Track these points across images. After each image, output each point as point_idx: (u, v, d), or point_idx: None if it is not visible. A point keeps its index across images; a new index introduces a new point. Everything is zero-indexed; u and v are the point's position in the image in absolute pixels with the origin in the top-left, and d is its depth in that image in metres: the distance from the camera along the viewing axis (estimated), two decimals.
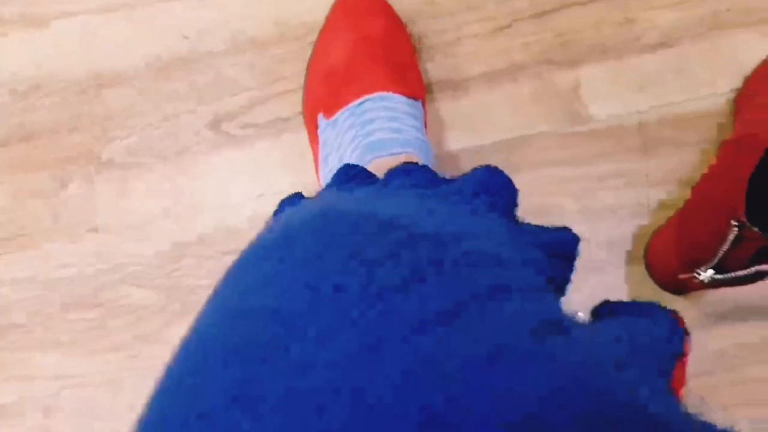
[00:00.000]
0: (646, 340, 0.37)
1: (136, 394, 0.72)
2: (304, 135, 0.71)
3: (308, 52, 0.70)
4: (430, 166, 0.59)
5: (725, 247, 0.56)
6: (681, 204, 0.70)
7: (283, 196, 0.50)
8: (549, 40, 0.72)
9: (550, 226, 0.43)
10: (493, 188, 0.42)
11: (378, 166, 0.53)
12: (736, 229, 0.54)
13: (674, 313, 0.44)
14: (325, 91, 0.65)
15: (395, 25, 0.69)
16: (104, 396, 0.72)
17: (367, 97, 0.62)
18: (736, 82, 0.71)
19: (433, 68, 0.73)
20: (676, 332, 0.41)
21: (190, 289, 0.72)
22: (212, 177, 0.73)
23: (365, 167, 0.49)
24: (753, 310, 0.71)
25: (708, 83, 0.72)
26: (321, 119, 0.65)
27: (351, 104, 0.62)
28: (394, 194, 0.40)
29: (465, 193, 0.41)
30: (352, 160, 0.59)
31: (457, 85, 0.73)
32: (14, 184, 0.74)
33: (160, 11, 0.73)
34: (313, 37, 0.70)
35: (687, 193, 0.70)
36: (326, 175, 0.63)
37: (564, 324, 0.29)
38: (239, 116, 0.73)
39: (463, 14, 0.72)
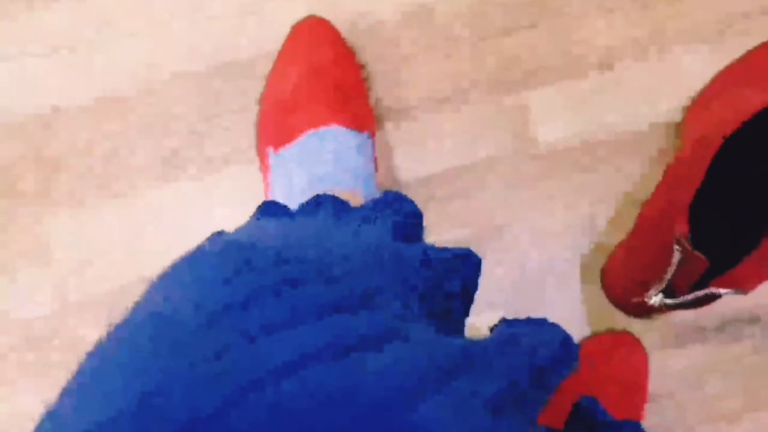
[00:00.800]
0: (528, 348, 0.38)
1: None
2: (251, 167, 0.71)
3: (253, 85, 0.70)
4: (372, 194, 0.60)
5: (671, 270, 0.56)
6: (629, 223, 0.70)
7: None
8: (494, 64, 0.72)
9: (452, 248, 0.45)
10: (391, 208, 0.46)
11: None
12: (679, 252, 0.54)
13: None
14: (274, 124, 0.66)
15: (344, 55, 0.69)
16: None
17: (312, 131, 0.63)
18: (678, 101, 0.72)
19: (380, 96, 0.72)
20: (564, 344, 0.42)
21: None
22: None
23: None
24: (712, 328, 0.71)
25: (649, 102, 0.72)
26: (270, 152, 0.65)
27: (297, 139, 0.63)
28: (297, 223, 0.43)
29: (360, 217, 0.45)
30: (295, 197, 0.60)
31: (404, 113, 0.72)
32: None
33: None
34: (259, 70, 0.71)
35: (633, 212, 0.70)
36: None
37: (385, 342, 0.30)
38: (186, 151, 0.73)
39: (408, 42, 0.73)
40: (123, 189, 0.72)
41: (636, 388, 0.68)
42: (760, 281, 0.52)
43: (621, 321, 0.71)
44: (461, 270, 0.43)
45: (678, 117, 0.71)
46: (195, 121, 0.72)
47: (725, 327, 0.71)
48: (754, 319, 0.71)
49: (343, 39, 0.69)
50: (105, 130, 0.72)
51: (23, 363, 0.71)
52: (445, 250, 0.44)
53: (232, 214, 0.72)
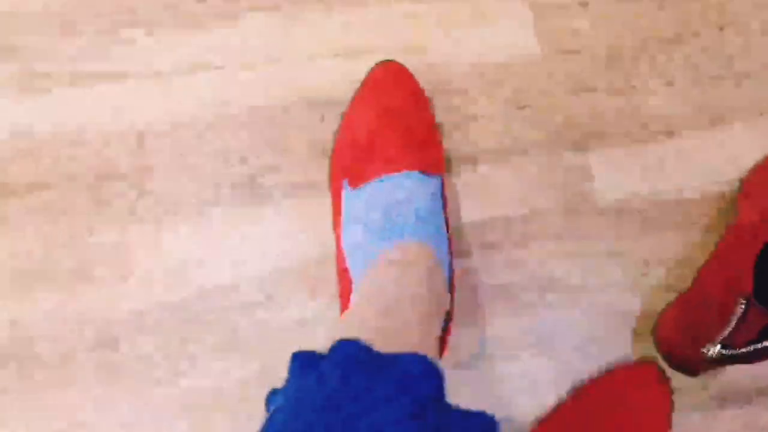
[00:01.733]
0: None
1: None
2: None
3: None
4: (440, 249, 0.65)
5: (732, 323, 0.59)
6: (679, 284, 0.73)
7: None
8: (560, 122, 0.77)
9: (470, 413, 0.46)
10: (411, 386, 0.45)
11: (392, 254, 0.62)
12: (743, 306, 0.57)
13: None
14: (351, 161, 0.70)
15: (418, 100, 0.73)
16: None
17: (388, 175, 0.66)
18: (734, 172, 0.76)
19: (449, 143, 0.77)
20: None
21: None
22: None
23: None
24: (760, 391, 0.73)
25: (707, 171, 0.76)
26: (345, 185, 0.69)
27: (372, 180, 0.67)
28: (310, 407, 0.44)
29: (377, 396, 0.44)
30: (370, 243, 0.64)
31: (471, 159, 0.77)
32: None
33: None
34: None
35: (685, 274, 0.73)
36: (346, 239, 0.68)
37: None
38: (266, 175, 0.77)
39: (478, 92, 0.78)
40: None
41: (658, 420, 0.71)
42: None
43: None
44: None
45: (729, 187, 0.76)
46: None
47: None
48: None
49: (418, 83, 0.74)
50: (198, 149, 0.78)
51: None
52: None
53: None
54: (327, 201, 0.74)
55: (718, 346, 0.62)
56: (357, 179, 0.68)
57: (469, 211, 0.77)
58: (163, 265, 0.75)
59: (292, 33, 0.78)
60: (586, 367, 0.73)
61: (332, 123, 0.75)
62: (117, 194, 0.76)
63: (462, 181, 0.77)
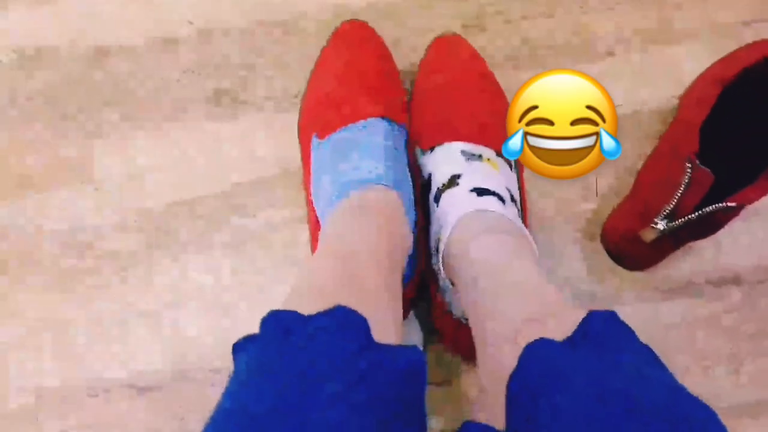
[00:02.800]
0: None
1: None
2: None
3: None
4: (405, 193, 0.66)
5: (679, 191, 0.62)
6: (627, 191, 0.76)
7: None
8: (514, 42, 0.80)
9: (398, 349, 0.45)
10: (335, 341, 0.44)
11: (355, 198, 0.62)
12: (689, 170, 0.61)
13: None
14: (319, 113, 0.71)
15: (382, 53, 0.76)
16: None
17: (354, 124, 0.67)
18: (676, 89, 0.79)
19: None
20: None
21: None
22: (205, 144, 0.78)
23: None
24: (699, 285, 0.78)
25: (650, 88, 0.79)
26: (314, 138, 0.70)
27: (340, 129, 0.68)
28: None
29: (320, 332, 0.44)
30: (335, 189, 0.64)
31: None
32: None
33: None
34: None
35: (630, 181, 0.76)
36: (315, 191, 0.69)
37: None
38: (231, 91, 0.78)
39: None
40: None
41: None
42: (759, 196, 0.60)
43: (619, 273, 0.77)
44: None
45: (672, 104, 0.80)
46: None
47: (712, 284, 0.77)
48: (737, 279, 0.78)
49: (381, 38, 0.77)
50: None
51: None
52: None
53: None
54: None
55: (665, 220, 0.65)
56: (324, 130, 0.69)
57: None
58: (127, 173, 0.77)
59: None
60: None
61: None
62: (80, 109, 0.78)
63: None
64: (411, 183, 0.69)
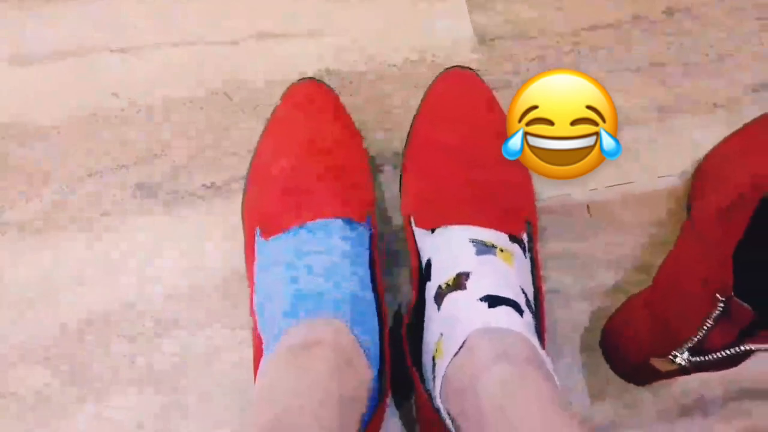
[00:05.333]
0: None
1: None
2: (236, 202, 0.63)
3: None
4: (364, 320, 0.53)
5: (708, 325, 0.51)
6: (630, 287, 0.66)
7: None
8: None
9: None
10: None
11: (298, 332, 0.49)
12: (722, 305, 0.49)
13: None
14: (264, 205, 0.57)
15: (347, 130, 0.62)
16: None
17: (305, 225, 0.55)
18: (685, 166, 0.69)
19: (391, 138, 0.66)
20: None
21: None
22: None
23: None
24: (715, 403, 0.66)
25: (658, 166, 0.69)
26: (258, 234, 0.57)
27: (288, 231, 0.55)
28: None
29: None
30: (277, 312, 0.52)
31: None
32: None
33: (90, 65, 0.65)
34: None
35: (635, 275, 0.66)
36: (256, 299, 0.56)
37: None
38: (167, 181, 0.65)
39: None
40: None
41: None
42: None
43: (624, 388, 0.66)
44: None
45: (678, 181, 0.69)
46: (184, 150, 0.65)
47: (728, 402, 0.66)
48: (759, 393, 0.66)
49: (344, 109, 0.63)
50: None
51: None
52: None
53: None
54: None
55: (686, 353, 0.54)
56: (271, 228, 0.56)
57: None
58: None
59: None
60: None
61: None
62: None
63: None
64: (375, 303, 0.56)
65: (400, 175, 0.62)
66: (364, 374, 0.50)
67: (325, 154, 0.59)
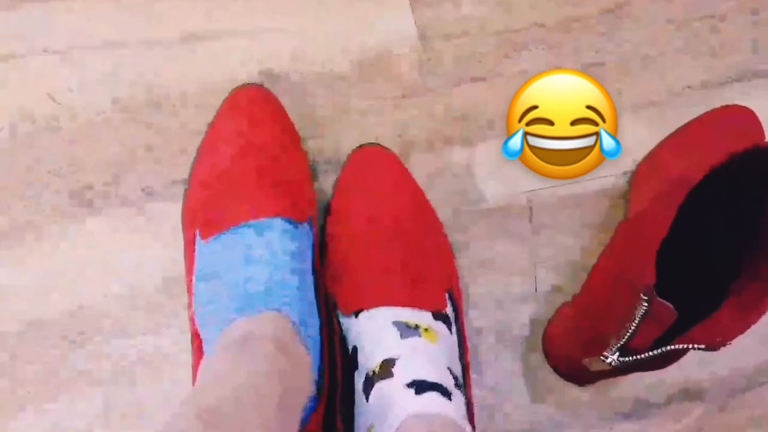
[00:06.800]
0: None
1: None
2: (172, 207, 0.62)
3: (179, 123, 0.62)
4: (304, 315, 0.52)
5: (633, 325, 0.50)
6: (570, 287, 0.65)
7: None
8: (442, 115, 0.67)
9: None
10: None
11: (238, 328, 0.49)
12: (645, 304, 0.49)
13: None
14: (204, 206, 0.56)
15: (287, 133, 0.61)
16: None
17: (245, 224, 0.54)
18: (622, 166, 0.68)
19: (321, 147, 0.65)
20: None
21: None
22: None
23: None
24: (654, 406, 0.66)
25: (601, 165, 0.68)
26: (198, 236, 0.56)
27: (225, 231, 0.54)
28: None
29: None
30: (217, 312, 0.51)
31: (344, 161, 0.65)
32: None
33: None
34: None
35: (576, 276, 0.65)
36: (196, 300, 0.54)
37: None
38: (101, 185, 0.63)
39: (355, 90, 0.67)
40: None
41: None
42: (734, 334, 0.47)
43: (564, 387, 0.65)
44: None
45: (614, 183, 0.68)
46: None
47: (671, 402, 0.66)
48: (700, 393, 0.66)
49: (285, 113, 0.62)
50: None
51: None
52: None
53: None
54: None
55: (617, 354, 0.53)
56: (211, 229, 0.55)
57: None
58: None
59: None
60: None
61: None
62: None
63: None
64: (315, 301, 0.55)
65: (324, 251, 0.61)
66: (303, 365, 0.50)
67: (264, 155, 0.58)
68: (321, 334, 0.55)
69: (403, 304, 0.55)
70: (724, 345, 0.47)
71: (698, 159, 0.56)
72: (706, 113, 0.65)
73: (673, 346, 0.49)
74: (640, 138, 0.67)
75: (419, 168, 0.65)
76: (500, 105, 0.65)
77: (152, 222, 0.63)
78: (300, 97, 0.65)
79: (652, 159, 0.67)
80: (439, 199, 0.64)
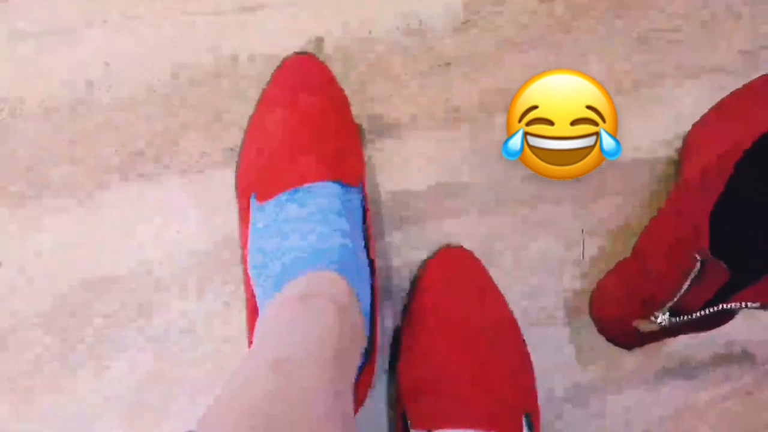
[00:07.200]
0: None
1: None
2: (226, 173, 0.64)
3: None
4: (358, 276, 0.53)
5: (686, 285, 0.51)
6: (616, 254, 0.66)
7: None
8: (487, 86, 0.68)
9: None
10: None
11: (297, 285, 0.50)
12: (699, 264, 0.50)
13: None
14: (258, 171, 0.58)
15: (336, 99, 0.62)
16: None
17: (298, 188, 0.56)
18: (669, 134, 0.68)
19: (371, 114, 0.67)
20: None
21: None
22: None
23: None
24: (701, 367, 0.66)
25: (641, 135, 0.68)
26: (253, 200, 0.58)
27: (281, 194, 0.56)
28: None
29: None
30: (275, 271, 0.53)
31: (393, 128, 0.67)
32: None
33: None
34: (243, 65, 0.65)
35: (620, 244, 0.66)
36: (251, 262, 0.56)
37: None
38: (155, 153, 0.66)
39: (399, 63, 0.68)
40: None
41: None
42: None
43: (612, 352, 0.66)
44: None
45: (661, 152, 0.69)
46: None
47: (718, 364, 0.66)
48: (749, 357, 0.66)
49: (334, 79, 0.63)
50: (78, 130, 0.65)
51: None
52: None
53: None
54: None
55: (667, 314, 0.54)
56: (264, 193, 0.57)
57: (395, 182, 0.67)
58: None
59: None
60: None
61: None
62: None
63: (387, 150, 0.67)
64: (367, 261, 0.57)
65: (396, 353, 0.62)
66: (358, 324, 0.51)
67: (316, 121, 0.59)
68: (372, 296, 0.57)
69: (476, 426, 0.54)
70: None
71: (748, 124, 0.56)
72: (751, 82, 0.65)
73: (725, 305, 0.49)
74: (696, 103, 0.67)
75: (465, 136, 0.66)
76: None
77: (207, 188, 0.65)
78: (350, 66, 0.66)
79: (703, 124, 0.67)
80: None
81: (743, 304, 0.49)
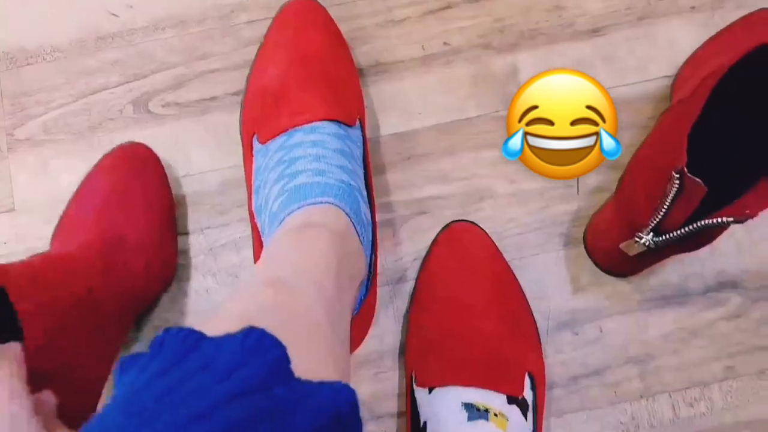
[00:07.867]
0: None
1: None
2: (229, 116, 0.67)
3: (234, 28, 0.67)
4: (357, 209, 0.55)
5: (666, 203, 0.53)
6: (612, 187, 0.67)
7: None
8: (485, 24, 0.70)
9: (322, 385, 0.33)
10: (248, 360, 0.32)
11: (297, 218, 0.51)
12: (677, 182, 0.51)
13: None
14: (260, 113, 0.60)
15: (335, 40, 0.64)
16: None
17: (297, 128, 0.58)
18: (668, 69, 0.70)
19: (369, 51, 0.69)
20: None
21: None
22: None
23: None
24: (693, 293, 0.68)
25: (638, 70, 0.70)
26: (255, 141, 0.60)
27: (282, 134, 0.58)
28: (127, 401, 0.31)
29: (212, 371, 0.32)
30: (276, 207, 0.55)
31: (391, 69, 0.69)
32: None
33: None
34: (240, 14, 0.67)
35: (617, 177, 0.67)
36: (256, 200, 0.59)
37: None
38: (162, 94, 0.69)
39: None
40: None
41: None
42: (761, 208, 0.50)
43: (606, 281, 0.68)
44: None
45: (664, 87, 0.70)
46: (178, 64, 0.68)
47: (708, 290, 0.68)
48: (736, 284, 0.68)
49: (333, 22, 0.65)
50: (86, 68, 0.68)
51: None
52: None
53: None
54: None
55: (651, 234, 0.56)
56: (266, 133, 0.59)
57: (394, 123, 0.69)
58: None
59: None
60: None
61: None
62: None
63: (384, 90, 0.69)
64: (367, 198, 0.59)
65: (407, 326, 0.64)
66: (358, 252, 0.54)
67: (315, 62, 0.61)
68: (372, 230, 0.59)
69: (478, 384, 0.56)
70: (751, 217, 0.49)
71: (733, 52, 0.57)
72: (746, 16, 0.66)
73: (702, 222, 0.51)
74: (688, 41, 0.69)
75: (459, 72, 0.68)
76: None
77: (212, 130, 0.68)
78: (347, 9, 0.68)
79: (692, 60, 0.68)
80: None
81: (720, 219, 0.51)
